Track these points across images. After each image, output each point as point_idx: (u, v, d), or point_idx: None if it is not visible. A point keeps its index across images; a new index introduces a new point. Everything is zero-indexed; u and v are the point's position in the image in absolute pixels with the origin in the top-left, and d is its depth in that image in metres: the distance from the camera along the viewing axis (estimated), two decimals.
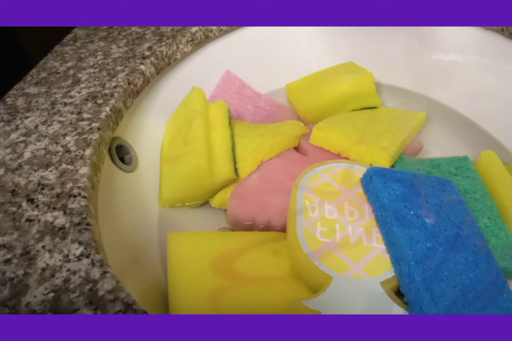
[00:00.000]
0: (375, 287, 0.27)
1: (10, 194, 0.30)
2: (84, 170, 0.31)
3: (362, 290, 0.27)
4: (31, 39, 0.52)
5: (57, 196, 0.29)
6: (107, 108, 0.36)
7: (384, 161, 0.37)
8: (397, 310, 0.26)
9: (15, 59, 0.48)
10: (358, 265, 0.28)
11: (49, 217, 0.28)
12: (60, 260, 0.25)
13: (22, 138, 0.34)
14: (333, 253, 0.28)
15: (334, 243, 0.29)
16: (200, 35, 0.47)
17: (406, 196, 0.29)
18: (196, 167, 0.36)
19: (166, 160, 0.41)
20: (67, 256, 0.25)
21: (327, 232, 0.29)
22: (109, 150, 0.38)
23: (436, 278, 0.26)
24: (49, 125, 0.35)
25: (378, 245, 0.29)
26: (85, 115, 0.36)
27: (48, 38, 0.49)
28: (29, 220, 0.28)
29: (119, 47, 0.45)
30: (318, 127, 0.40)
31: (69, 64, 0.43)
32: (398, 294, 0.27)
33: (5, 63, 0.46)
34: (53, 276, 0.24)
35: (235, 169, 0.37)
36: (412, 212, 0.28)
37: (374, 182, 0.30)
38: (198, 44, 0.47)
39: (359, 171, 0.34)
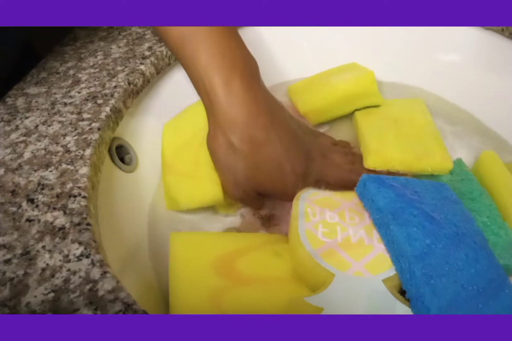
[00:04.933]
0: (377, 284, 0.27)
1: (10, 194, 0.30)
2: (84, 170, 0.31)
3: (364, 287, 0.27)
4: (31, 39, 0.52)
5: (57, 196, 0.29)
6: (107, 108, 0.36)
7: (445, 170, 0.38)
8: (400, 307, 0.26)
9: (17, 59, 0.48)
10: (359, 263, 0.28)
11: (49, 217, 0.28)
12: (60, 260, 0.25)
13: (22, 138, 0.34)
14: (334, 252, 0.28)
15: (335, 242, 0.29)
16: None
17: (401, 199, 0.30)
18: (213, 196, 0.36)
19: (171, 170, 0.39)
20: (67, 256, 0.25)
21: (328, 232, 0.29)
22: (109, 150, 0.38)
23: (436, 273, 0.26)
24: (49, 126, 0.35)
25: (379, 244, 0.29)
26: (85, 115, 0.36)
27: (48, 38, 0.49)
28: (29, 220, 0.28)
29: (119, 47, 0.45)
30: (375, 151, 0.39)
31: (69, 64, 0.43)
32: (401, 293, 0.27)
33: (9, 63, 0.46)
34: (53, 276, 0.24)
35: None
36: (408, 211, 0.29)
37: (368, 187, 0.31)
38: None
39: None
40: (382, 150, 0.39)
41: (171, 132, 0.43)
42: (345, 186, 0.34)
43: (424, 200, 0.30)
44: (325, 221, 0.30)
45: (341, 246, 0.29)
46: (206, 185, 0.36)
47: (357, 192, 0.32)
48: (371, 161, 0.39)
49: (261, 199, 0.37)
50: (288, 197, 0.33)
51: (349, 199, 0.32)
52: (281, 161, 0.33)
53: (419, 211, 0.29)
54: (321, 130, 0.47)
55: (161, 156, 0.42)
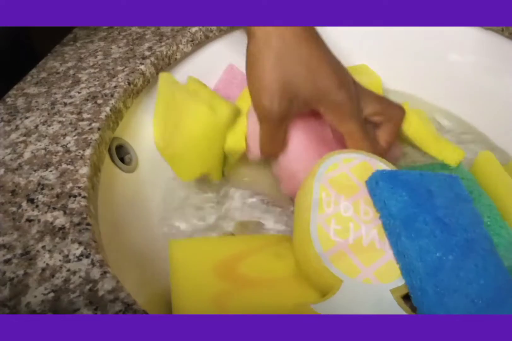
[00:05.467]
0: (384, 294, 0.26)
1: (10, 194, 0.30)
2: (84, 170, 0.31)
3: (372, 296, 0.26)
4: (31, 39, 0.52)
5: (57, 196, 0.29)
6: (107, 108, 0.36)
7: (456, 160, 0.39)
8: None
9: (16, 59, 0.48)
10: (369, 269, 0.27)
11: (49, 217, 0.28)
12: (60, 260, 0.25)
13: (22, 138, 0.34)
14: (345, 255, 0.27)
15: (346, 243, 0.28)
16: (200, 35, 0.47)
17: (414, 202, 0.28)
18: (201, 115, 0.36)
19: (167, 149, 0.39)
20: (67, 256, 0.25)
21: (340, 230, 0.28)
22: (109, 150, 0.38)
23: (448, 290, 0.25)
24: (49, 126, 0.35)
25: (390, 250, 0.28)
26: (85, 115, 0.36)
27: (48, 38, 0.49)
28: (29, 220, 0.28)
29: (119, 47, 0.45)
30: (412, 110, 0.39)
31: (69, 64, 0.43)
32: (405, 298, 0.27)
33: (10, 63, 0.46)
34: (53, 276, 0.24)
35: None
36: (421, 219, 0.27)
37: (380, 187, 0.29)
38: (198, 44, 0.47)
39: (378, 167, 0.32)
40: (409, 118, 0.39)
41: (156, 124, 0.41)
42: (380, 120, 0.35)
43: (437, 201, 0.29)
44: (339, 214, 0.29)
45: (352, 248, 0.28)
46: (193, 112, 0.36)
47: (368, 186, 0.31)
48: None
49: (286, 133, 0.35)
50: (329, 104, 0.33)
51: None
52: (327, 67, 0.33)
53: (431, 217, 0.28)
54: None
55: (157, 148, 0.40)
